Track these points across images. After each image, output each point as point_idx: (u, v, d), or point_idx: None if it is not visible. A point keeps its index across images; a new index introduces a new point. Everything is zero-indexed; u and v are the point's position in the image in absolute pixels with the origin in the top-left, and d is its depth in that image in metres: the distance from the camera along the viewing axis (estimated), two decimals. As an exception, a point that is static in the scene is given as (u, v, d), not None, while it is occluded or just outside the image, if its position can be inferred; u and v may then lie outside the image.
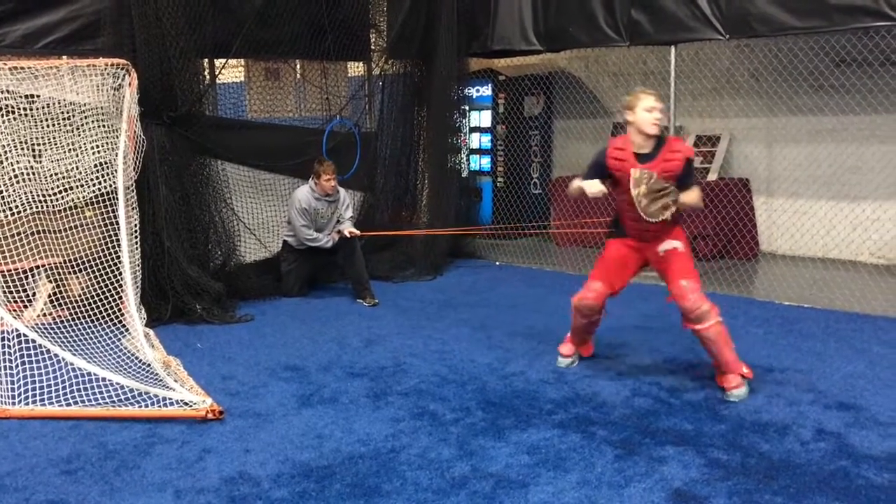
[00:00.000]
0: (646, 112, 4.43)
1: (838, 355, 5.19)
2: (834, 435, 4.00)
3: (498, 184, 9.56)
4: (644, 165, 4.46)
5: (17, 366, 4.85)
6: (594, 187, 4.61)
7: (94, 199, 5.75)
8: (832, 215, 7.70)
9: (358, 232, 7.04)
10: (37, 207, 5.56)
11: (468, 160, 9.65)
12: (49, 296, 5.96)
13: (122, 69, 5.68)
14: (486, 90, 9.46)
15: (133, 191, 5.79)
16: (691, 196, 4.52)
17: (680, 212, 4.56)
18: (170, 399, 4.50)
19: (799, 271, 7.31)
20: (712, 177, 8.32)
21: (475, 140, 9.68)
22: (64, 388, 4.64)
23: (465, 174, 9.44)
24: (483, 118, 9.58)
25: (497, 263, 8.49)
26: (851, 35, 6.90)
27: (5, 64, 5.46)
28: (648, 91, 4.52)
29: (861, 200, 7.65)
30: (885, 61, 7.17)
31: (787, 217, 8.07)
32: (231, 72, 7.65)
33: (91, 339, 5.40)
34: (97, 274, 5.71)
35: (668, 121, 7.26)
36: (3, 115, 5.42)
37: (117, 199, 5.60)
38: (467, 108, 9.49)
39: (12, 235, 5.49)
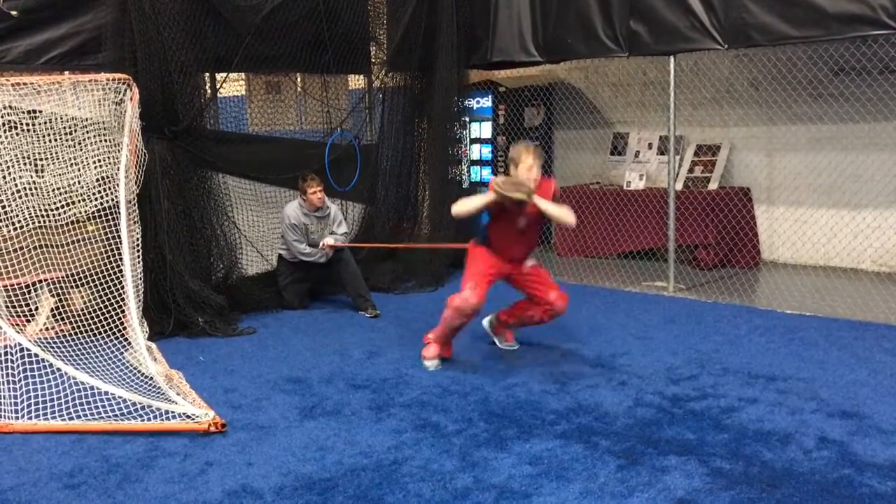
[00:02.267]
0: (526, 171, 5.07)
1: (841, 363, 5.18)
2: (837, 443, 3.99)
3: (499, 195, 9.56)
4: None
5: (19, 380, 4.87)
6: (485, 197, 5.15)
7: (96, 214, 5.76)
8: (833, 223, 7.70)
9: (332, 242, 6.97)
10: (39, 222, 5.58)
11: (469, 171, 9.67)
12: (51, 310, 5.97)
13: (124, 84, 5.70)
14: (487, 101, 9.49)
15: (135, 205, 5.81)
16: (552, 204, 5.09)
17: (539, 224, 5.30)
18: (172, 412, 4.50)
19: (800, 279, 7.31)
20: (713, 186, 8.33)
21: (476, 151, 9.70)
22: (67, 402, 4.65)
23: (465, 185, 9.46)
24: (483, 129, 9.60)
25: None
26: (850, 44, 6.92)
27: (8, 80, 5.49)
28: (529, 150, 5.12)
29: (862, 208, 7.65)
30: (884, 69, 7.19)
31: (788, 225, 8.08)
32: (232, 86, 7.67)
33: (93, 352, 5.41)
34: (99, 288, 5.73)
35: (668, 130, 7.29)
36: (6, 131, 5.44)
37: (119, 213, 5.62)
38: (467, 119, 9.51)
39: (15, 250, 5.51)
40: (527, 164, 5.10)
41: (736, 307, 6.68)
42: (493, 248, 5.34)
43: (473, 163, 9.70)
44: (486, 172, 9.64)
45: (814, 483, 3.59)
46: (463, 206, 5.24)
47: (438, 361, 5.42)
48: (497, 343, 5.80)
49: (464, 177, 9.44)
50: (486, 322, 5.80)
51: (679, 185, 8.27)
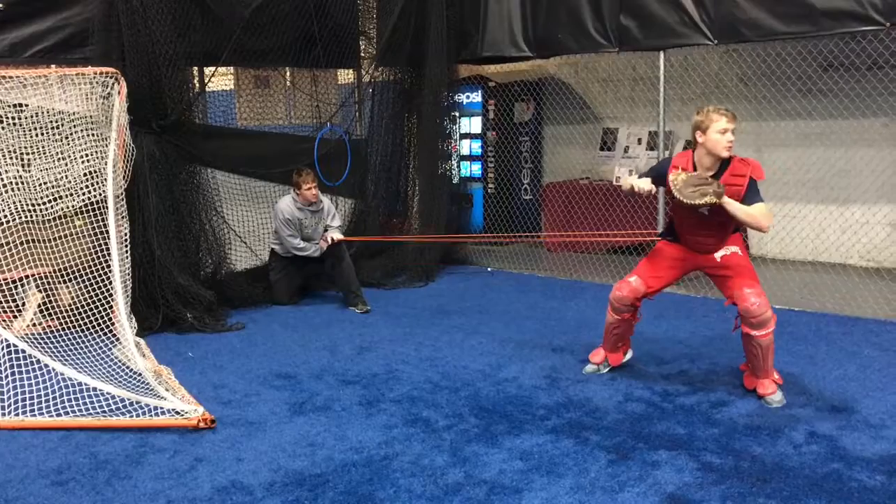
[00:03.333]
0: (718, 134, 4.30)
1: (829, 358, 5.21)
2: (826, 438, 4.01)
3: (489, 190, 9.58)
4: None
5: (6, 376, 4.83)
6: (644, 185, 4.52)
7: (83, 209, 5.72)
8: (822, 219, 7.73)
9: (342, 236, 7.01)
10: (26, 217, 5.53)
11: (459, 166, 9.66)
12: (39, 306, 5.93)
13: (111, 78, 5.66)
14: (476, 96, 9.48)
15: (123, 199, 5.77)
16: (744, 207, 4.29)
17: (732, 218, 4.38)
18: (161, 408, 4.47)
19: (789, 275, 7.33)
20: (702, 181, 8.33)
21: (465, 146, 9.69)
22: (54, 398, 4.62)
23: (455, 180, 9.45)
24: (473, 124, 9.59)
25: (489, 269, 8.49)
26: (839, 39, 6.94)
27: (-7, 73, 5.44)
28: (721, 110, 4.34)
29: (850, 204, 7.69)
30: (872, 65, 7.22)
31: (776, 221, 8.10)
32: (220, 80, 7.63)
33: (81, 348, 5.38)
34: (87, 283, 5.69)
35: (657, 126, 7.30)
36: (-9, 125, 5.40)
37: (107, 208, 5.58)
38: (457, 114, 9.50)
39: (1, 245, 5.47)
40: (719, 126, 4.27)
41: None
42: (677, 238, 4.71)
43: (463, 158, 9.69)
44: (475, 168, 9.64)
45: (803, 477, 3.60)
46: (627, 186, 4.59)
47: (597, 367, 5.05)
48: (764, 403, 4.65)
49: (454, 172, 9.43)
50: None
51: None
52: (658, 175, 4.65)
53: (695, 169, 4.47)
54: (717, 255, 4.58)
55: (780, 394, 4.51)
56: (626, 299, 4.78)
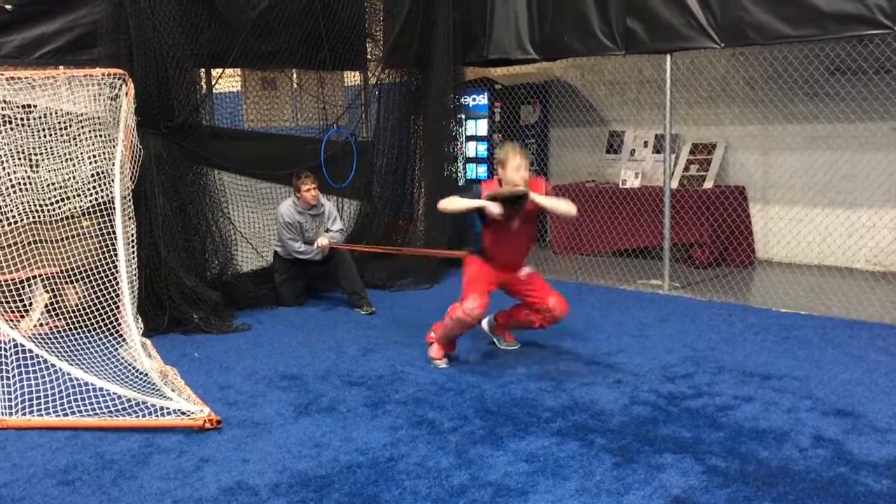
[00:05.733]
0: (514, 171, 5.05)
1: (835, 362, 5.20)
2: (832, 442, 4.00)
3: (494, 192, 9.56)
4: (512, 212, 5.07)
5: (13, 376, 4.84)
6: (494, 208, 5.03)
7: (90, 209, 5.75)
8: (828, 222, 7.72)
9: (327, 244, 6.96)
10: (33, 217, 5.56)
11: (465, 169, 9.67)
12: (46, 306, 5.95)
13: (119, 79, 5.68)
14: (483, 99, 9.49)
15: (130, 200, 5.78)
16: (547, 197, 5.16)
17: (538, 212, 5.31)
18: (167, 409, 4.48)
19: (795, 278, 7.32)
20: (708, 185, 8.34)
21: (472, 149, 9.69)
22: (61, 398, 4.63)
23: (461, 183, 9.46)
24: (479, 127, 9.60)
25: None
26: (846, 43, 6.93)
27: (2, 74, 5.45)
28: (517, 150, 5.12)
29: (857, 207, 7.67)
30: (880, 69, 7.21)
31: (783, 224, 8.09)
32: (227, 81, 7.66)
33: (88, 349, 5.39)
34: (94, 284, 5.70)
35: (664, 129, 7.30)
36: (0, 126, 5.42)
37: (114, 208, 5.59)
38: (464, 116, 9.52)
39: (9, 245, 5.49)
40: (514, 164, 5.07)
41: (731, 306, 6.69)
42: (488, 257, 5.31)
43: (469, 160, 9.70)
44: (481, 170, 9.64)
45: (809, 481, 3.59)
46: (449, 204, 5.29)
47: (446, 359, 5.40)
48: (497, 344, 5.77)
49: (460, 174, 9.43)
50: (484, 323, 5.74)
51: (674, 184, 8.28)
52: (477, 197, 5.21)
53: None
54: (522, 274, 5.36)
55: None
56: (481, 315, 5.18)
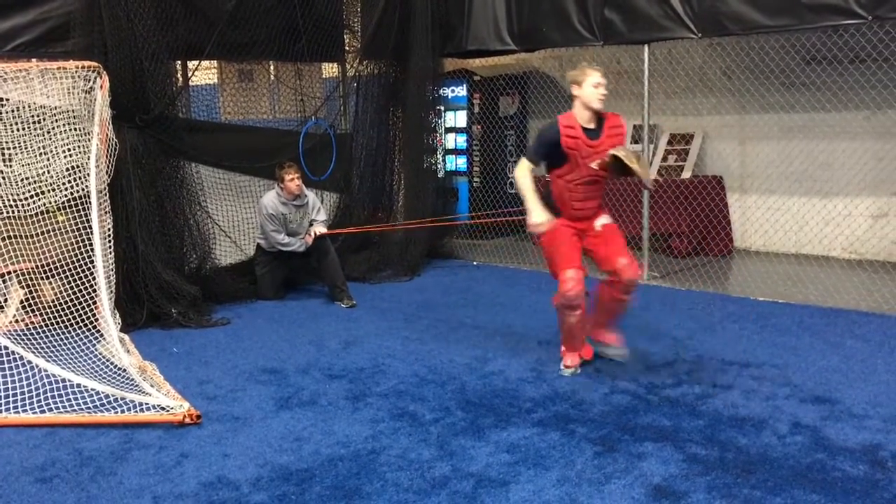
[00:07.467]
0: (593, 88, 4.58)
1: (813, 349, 5.25)
2: (810, 428, 4.04)
3: (474, 184, 9.57)
4: (592, 143, 4.63)
5: (-11, 373, 4.79)
6: (545, 222, 4.72)
7: (66, 204, 5.68)
8: (804, 211, 7.79)
9: (325, 230, 6.98)
10: (8, 212, 5.48)
11: (444, 160, 9.65)
12: (21, 302, 5.88)
13: (94, 71, 5.61)
14: (462, 90, 9.47)
15: (106, 194, 5.72)
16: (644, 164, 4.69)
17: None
18: (146, 404, 4.45)
19: (773, 267, 7.38)
20: (686, 175, 8.38)
21: (451, 140, 9.68)
22: (38, 394, 4.58)
23: (441, 174, 9.45)
24: (458, 118, 9.58)
25: (475, 263, 8.50)
26: (822, 33, 6.98)
27: (-26, 67, 5.37)
28: (595, 67, 4.64)
29: (832, 196, 7.74)
30: (855, 59, 7.26)
31: (760, 213, 8.15)
32: (204, 74, 7.59)
33: (65, 344, 5.34)
34: (70, 279, 5.64)
35: (642, 119, 7.32)
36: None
37: (90, 203, 5.53)
38: (442, 108, 9.49)
39: (-17, 241, 5.42)
40: (594, 80, 4.56)
41: (709, 295, 6.74)
42: (560, 211, 4.81)
43: (448, 152, 9.69)
44: (461, 161, 9.63)
45: (788, 468, 3.63)
46: (519, 178, 4.79)
47: (576, 368, 4.96)
48: (604, 353, 5.16)
49: (439, 166, 9.42)
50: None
51: (653, 174, 8.31)
52: (551, 147, 4.70)
53: (584, 132, 4.67)
54: (598, 224, 4.85)
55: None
56: (579, 291, 4.72)
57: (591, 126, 4.66)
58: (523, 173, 4.78)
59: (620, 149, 4.56)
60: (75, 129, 5.63)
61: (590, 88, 4.57)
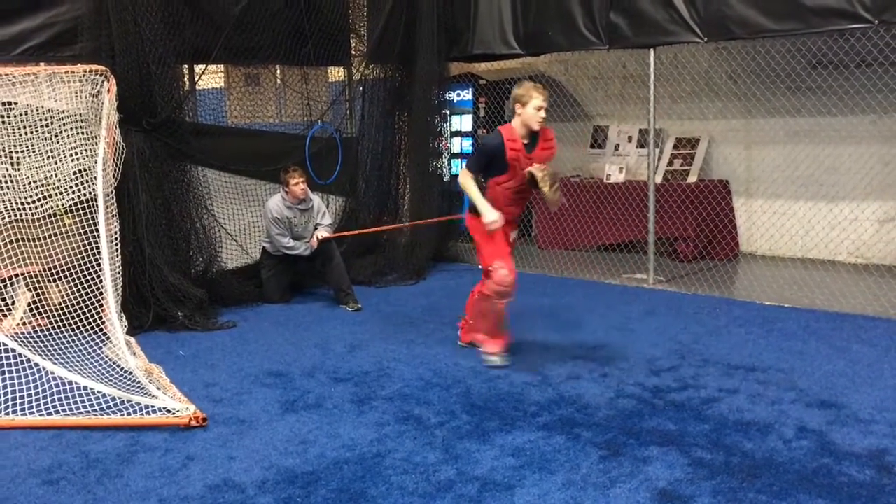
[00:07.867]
0: (534, 110, 4.90)
1: (819, 354, 5.24)
2: (816, 433, 4.03)
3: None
4: (529, 155, 4.98)
5: (-4, 376, 4.81)
6: (499, 219, 4.96)
7: (73, 207, 5.70)
8: (811, 216, 7.78)
9: (327, 234, 6.98)
10: (15, 215, 5.51)
11: (450, 164, 9.66)
12: (28, 304, 5.90)
13: (101, 75, 5.64)
14: (467, 94, 9.48)
15: (113, 198, 5.75)
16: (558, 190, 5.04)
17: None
18: (152, 407, 4.46)
19: (779, 271, 7.37)
20: (692, 178, 8.38)
21: (456, 144, 9.69)
22: (45, 397, 4.60)
23: (446, 178, 9.46)
24: (464, 122, 9.59)
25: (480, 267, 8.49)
26: (827, 37, 6.98)
27: (-18, 71, 5.41)
28: (540, 90, 4.94)
29: (839, 201, 7.73)
30: (861, 63, 7.26)
31: (766, 218, 8.14)
32: (210, 77, 7.61)
33: (72, 347, 5.35)
34: (77, 282, 5.66)
35: (648, 123, 7.32)
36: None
37: (97, 206, 5.56)
38: (448, 112, 9.51)
39: (-9, 244, 5.44)
40: (536, 103, 4.88)
41: (715, 299, 6.73)
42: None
43: (454, 156, 9.69)
44: (466, 165, 9.62)
45: (793, 472, 3.62)
46: (466, 186, 5.04)
47: (503, 355, 5.19)
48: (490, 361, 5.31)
49: (444, 170, 9.43)
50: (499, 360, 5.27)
51: (658, 178, 8.31)
52: (495, 158, 4.97)
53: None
54: (513, 237, 5.33)
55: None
56: (514, 279, 5.05)
57: (527, 141, 5.01)
58: (468, 181, 5.06)
59: (540, 168, 4.91)
60: (83, 133, 5.66)
61: (532, 110, 4.90)
